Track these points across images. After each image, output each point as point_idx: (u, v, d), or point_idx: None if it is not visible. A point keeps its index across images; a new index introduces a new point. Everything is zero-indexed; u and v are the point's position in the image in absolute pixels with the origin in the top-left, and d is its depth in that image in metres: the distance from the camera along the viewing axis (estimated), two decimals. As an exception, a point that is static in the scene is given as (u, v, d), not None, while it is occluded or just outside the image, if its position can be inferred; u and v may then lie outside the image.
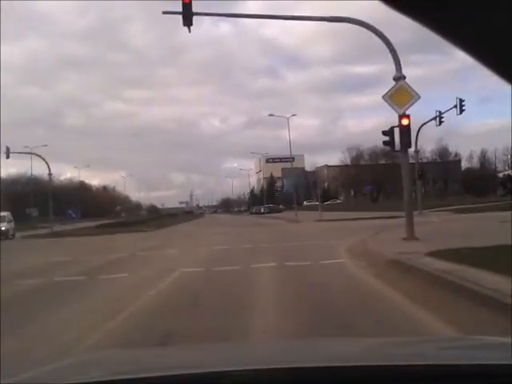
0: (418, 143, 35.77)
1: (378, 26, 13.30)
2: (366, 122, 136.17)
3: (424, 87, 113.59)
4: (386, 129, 13.64)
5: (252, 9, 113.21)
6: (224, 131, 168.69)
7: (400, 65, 13.31)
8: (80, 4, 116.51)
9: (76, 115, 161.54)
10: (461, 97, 30.39)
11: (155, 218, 64.04)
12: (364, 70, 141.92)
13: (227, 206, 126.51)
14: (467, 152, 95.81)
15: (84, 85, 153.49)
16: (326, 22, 14.77)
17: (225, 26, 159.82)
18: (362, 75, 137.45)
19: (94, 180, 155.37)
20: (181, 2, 13.63)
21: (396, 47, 13.32)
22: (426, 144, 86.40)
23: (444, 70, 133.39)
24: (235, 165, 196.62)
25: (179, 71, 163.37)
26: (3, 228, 33.14)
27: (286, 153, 54.55)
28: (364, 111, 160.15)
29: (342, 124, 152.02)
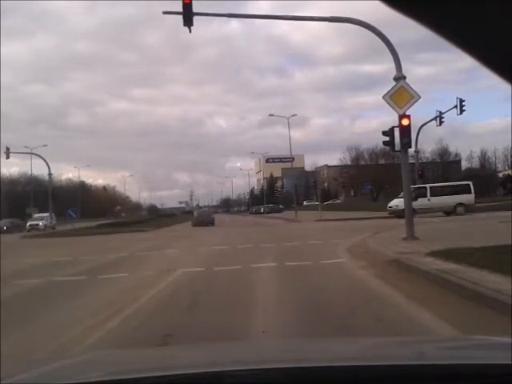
0: (419, 143, 35.86)
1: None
2: (370, 121, 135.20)
3: (429, 86, 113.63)
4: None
5: (264, 8, 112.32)
6: (227, 131, 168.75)
7: (400, 65, 13.31)
8: (86, 3, 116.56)
9: (78, 114, 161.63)
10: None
11: (154, 218, 64.06)
12: (371, 69, 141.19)
13: (227, 205, 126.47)
14: (467, 152, 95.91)
15: (88, 84, 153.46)
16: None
17: (234, 25, 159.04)
18: (368, 74, 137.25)
19: (97, 180, 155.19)
20: (190, 2, 13.66)
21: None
22: (427, 144, 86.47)
23: (454, 69, 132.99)
24: (238, 164, 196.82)
25: (185, 70, 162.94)
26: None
27: (289, 152, 54.51)
28: (368, 111, 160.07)
29: (346, 123, 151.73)
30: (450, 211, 28.82)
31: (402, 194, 29.73)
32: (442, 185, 33.27)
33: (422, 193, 29.33)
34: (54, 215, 47.16)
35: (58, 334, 5.35)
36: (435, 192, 29.30)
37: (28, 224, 44.50)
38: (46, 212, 45.54)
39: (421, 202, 28.18)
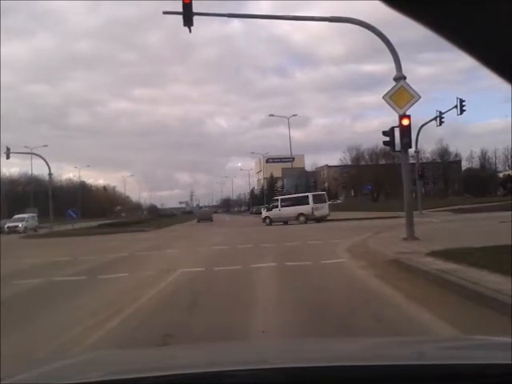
0: (419, 143, 35.89)
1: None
2: (371, 121, 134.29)
3: (429, 86, 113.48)
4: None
5: (264, 8, 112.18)
6: (228, 130, 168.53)
7: (400, 65, 13.31)
8: (87, 3, 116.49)
9: (79, 114, 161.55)
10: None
11: (154, 218, 64.15)
12: (372, 69, 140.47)
13: (227, 205, 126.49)
14: (468, 152, 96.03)
15: (89, 83, 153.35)
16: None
17: (235, 25, 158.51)
18: (370, 74, 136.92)
19: (97, 180, 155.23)
20: (190, 2, 13.69)
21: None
22: (427, 144, 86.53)
23: (454, 69, 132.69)
24: (239, 164, 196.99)
25: (186, 70, 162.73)
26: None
27: (289, 152, 54.66)
28: (369, 111, 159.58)
29: (347, 123, 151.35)
30: (294, 220, 32.64)
31: (270, 206, 35.91)
32: (289, 197, 37.75)
33: (275, 205, 35.04)
34: (36, 216, 44.97)
35: (57, 333, 5.35)
36: (284, 203, 34.12)
37: (6, 226, 41.20)
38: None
39: (274, 212, 34.12)
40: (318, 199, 33.46)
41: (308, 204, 32.70)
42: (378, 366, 1.51)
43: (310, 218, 32.03)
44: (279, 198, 37.56)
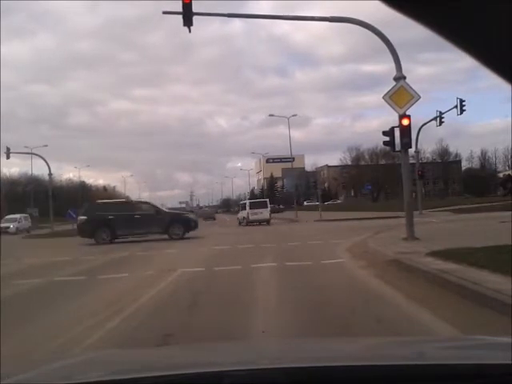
0: (419, 143, 35.91)
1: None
2: (372, 121, 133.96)
3: (430, 86, 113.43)
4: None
5: (265, 8, 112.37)
6: (228, 130, 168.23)
7: (400, 65, 13.31)
8: (88, 3, 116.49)
9: (79, 114, 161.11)
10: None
11: None
12: (373, 69, 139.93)
13: (227, 206, 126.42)
14: (468, 152, 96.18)
15: (89, 83, 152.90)
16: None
17: (236, 24, 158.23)
18: (370, 74, 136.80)
19: (97, 180, 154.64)
20: (190, 2, 13.70)
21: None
22: (427, 144, 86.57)
23: (454, 69, 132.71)
24: (239, 164, 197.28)
25: (187, 70, 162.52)
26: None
27: (289, 152, 54.77)
28: (370, 110, 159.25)
29: (347, 123, 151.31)
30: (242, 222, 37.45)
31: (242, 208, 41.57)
32: (242, 203, 43.73)
33: (239, 208, 41.17)
34: (28, 217, 44.59)
35: (57, 333, 5.34)
36: (241, 208, 39.86)
37: None
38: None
39: (239, 215, 39.29)
40: (258, 205, 37.39)
41: (245, 209, 37.30)
42: (378, 366, 1.51)
43: (248, 222, 35.61)
44: (240, 203, 45.53)
